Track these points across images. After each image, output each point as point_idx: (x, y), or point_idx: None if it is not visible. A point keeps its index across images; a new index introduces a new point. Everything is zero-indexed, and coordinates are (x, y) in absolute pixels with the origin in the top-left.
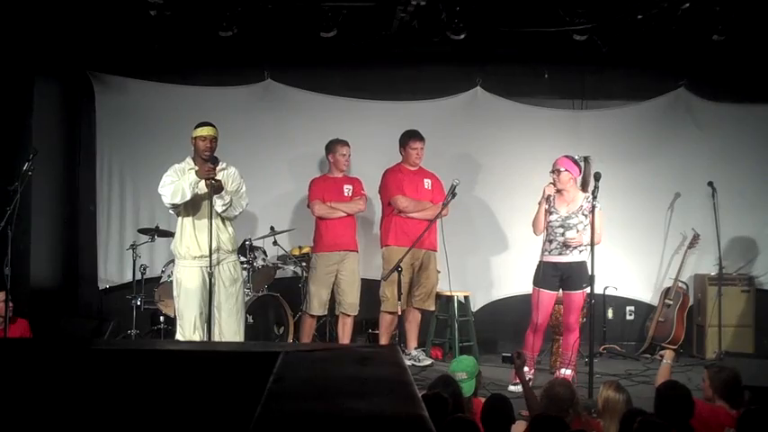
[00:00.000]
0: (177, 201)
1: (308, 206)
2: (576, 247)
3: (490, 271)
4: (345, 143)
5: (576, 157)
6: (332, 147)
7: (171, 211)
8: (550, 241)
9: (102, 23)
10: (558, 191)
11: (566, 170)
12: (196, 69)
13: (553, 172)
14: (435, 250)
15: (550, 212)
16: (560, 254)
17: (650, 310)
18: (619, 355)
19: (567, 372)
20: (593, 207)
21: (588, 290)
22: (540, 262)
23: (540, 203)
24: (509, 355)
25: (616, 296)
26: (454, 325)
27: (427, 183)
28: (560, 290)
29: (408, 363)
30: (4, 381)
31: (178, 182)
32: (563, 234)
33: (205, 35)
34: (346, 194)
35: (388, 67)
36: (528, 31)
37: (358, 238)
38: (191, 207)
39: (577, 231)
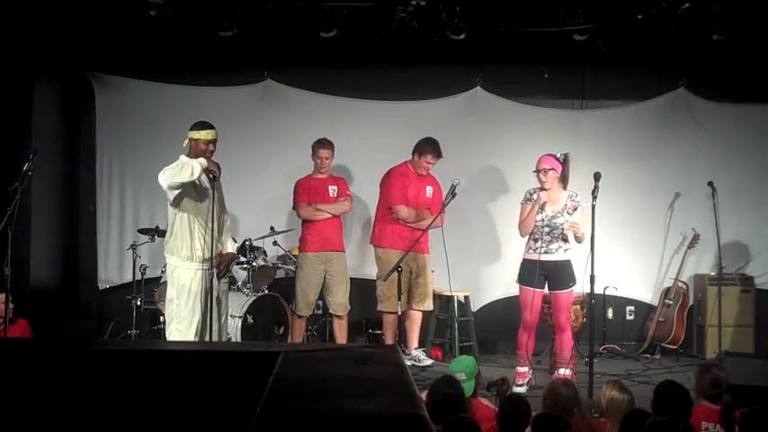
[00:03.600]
0: (185, 178)
1: (293, 208)
2: (562, 239)
3: (490, 271)
4: (324, 145)
5: (558, 155)
6: (313, 148)
7: (170, 204)
8: (536, 240)
9: (102, 23)
10: (544, 190)
11: (552, 169)
12: (196, 69)
13: (539, 172)
14: (428, 253)
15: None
16: (546, 252)
17: (650, 310)
18: (619, 355)
19: (565, 371)
20: (592, 205)
21: (574, 288)
22: (524, 260)
23: (528, 206)
24: (494, 383)
25: (616, 296)
26: (454, 325)
27: (429, 190)
28: (546, 288)
29: (408, 363)
30: (4, 381)
31: (184, 164)
32: (549, 233)
33: (205, 35)
34: (331, 195)
35: (388, 67)
36: (528, 31)
37: (355, 237)
38: (195, 208)
39: (562, 230)
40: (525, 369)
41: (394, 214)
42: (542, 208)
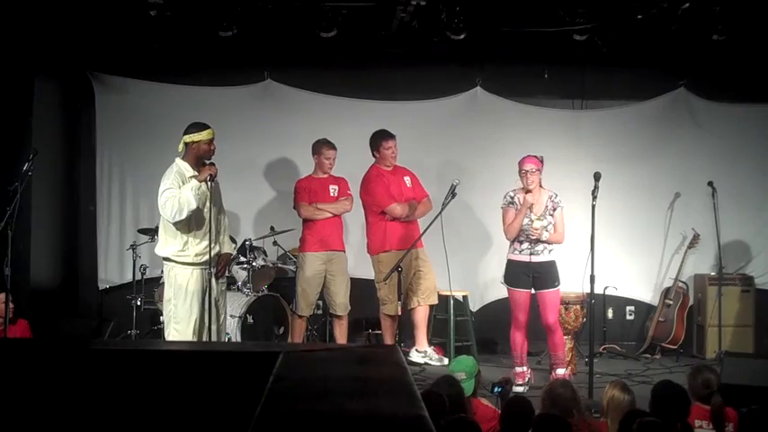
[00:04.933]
0: (185, 215)
1: (294, 207)
2: (541, 240)
3: (491, 270)
4: (331, 146)
5: (538, 156)
6: (317, 148)
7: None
8: (520, 242)
9: (102, 23)
10: (529, 192)
11: (537, 170)
12: (196, 69)
13: (525, 173)
14: (423, 246)
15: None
16: (531, 254)
17: (650, 310)
18: (619, 355)
19: (562, 372)
20: (592, 205)
21: (559, 287)
22: (509, 261)
23: (510, 210)
24: (499, 383)
25: (616, 296)
26: (449, 324)
27: (407, 181)
28: (533, 289)
29: (422, 360)
30: (4, 381)
31: (179, 195)
32: (530, 229)
33: (205, 35)
34: (332, 195)
35: (389, 67)
36: (528, 31)
37: (355, 237)
38: (195, 210)
39: (546, 230)
40: (523, 369)
41: (388, 215)
42: (530, 210)
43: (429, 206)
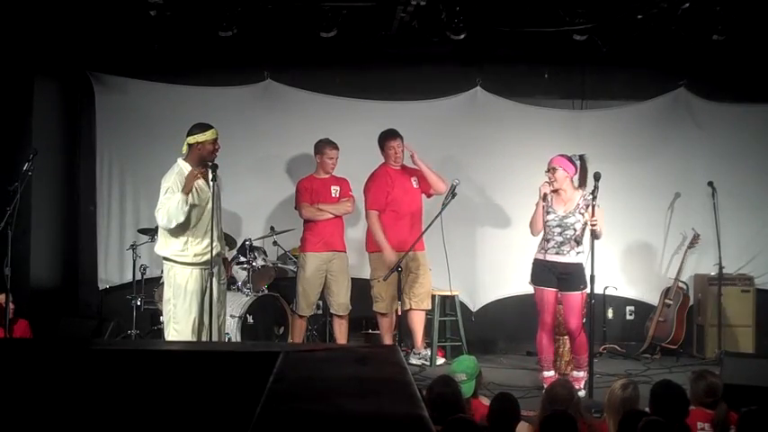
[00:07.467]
0: (173, 226)
1: (295, 208)
2: (579, 243)
3: (490, 271)
4: (334, 146)
5: (572, 156)
6: (320, 148)
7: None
8: (547, 240)
9: (102, 23)
10: (555, 190)
11: (561, 168)
12: (196, 69)
13: (548, 171)
14: (424, 249)
15: (547, 212)
16: (557, 253)
17: (650, 310)
18: (619, 355)
19: (579, 374)
20: (593, 205)
21: (587, 291)
22: (535, 260)
23: (537, 203)
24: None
25: (616, 296)
26: (434, 324)
27: (414, 181)
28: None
29: (419, 362)
30: (4, 381)
31: (168, 206)
32: (561, 233)
33: (205, 35)
34: (334, 195)
35: (388, 67)
36: (528, 31)
37: (355, 237)
38: (195, 211)
39: (575, 231)
40: (551, 374)
41: (366, 217)
42: (544, 199)
43: (437, 215)
